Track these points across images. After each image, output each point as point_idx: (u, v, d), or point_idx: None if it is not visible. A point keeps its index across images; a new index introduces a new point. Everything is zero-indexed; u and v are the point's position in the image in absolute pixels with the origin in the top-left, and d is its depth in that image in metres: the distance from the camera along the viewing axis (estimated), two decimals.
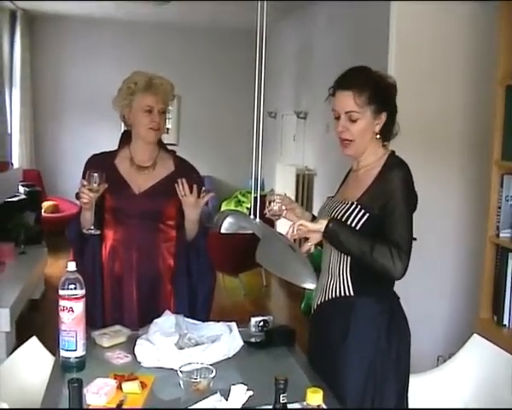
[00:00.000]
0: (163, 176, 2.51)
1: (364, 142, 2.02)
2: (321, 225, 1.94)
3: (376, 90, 1.98)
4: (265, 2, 2.11)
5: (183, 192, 2.36)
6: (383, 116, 2.01)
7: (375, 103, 1.98)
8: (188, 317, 2.21)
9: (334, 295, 2.03)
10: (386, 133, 2.06)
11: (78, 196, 2.31)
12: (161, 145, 2.58)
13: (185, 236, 2.51)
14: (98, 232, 2.39)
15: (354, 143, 2.01)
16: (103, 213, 2.47)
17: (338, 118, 2.02)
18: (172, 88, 2.52)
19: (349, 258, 1.99)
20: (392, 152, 2.08)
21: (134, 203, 2.46)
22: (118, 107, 2.50)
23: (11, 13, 7.95)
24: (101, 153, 2.57)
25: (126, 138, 2.56)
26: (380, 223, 1.94)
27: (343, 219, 1.98)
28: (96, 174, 2.25)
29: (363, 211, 1.96)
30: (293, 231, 1.93)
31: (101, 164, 2.40)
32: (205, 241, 2.56)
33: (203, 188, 2.42)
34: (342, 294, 2.01)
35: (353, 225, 1.96)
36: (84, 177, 2.33)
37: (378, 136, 2.03)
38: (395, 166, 1.99)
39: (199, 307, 2.55)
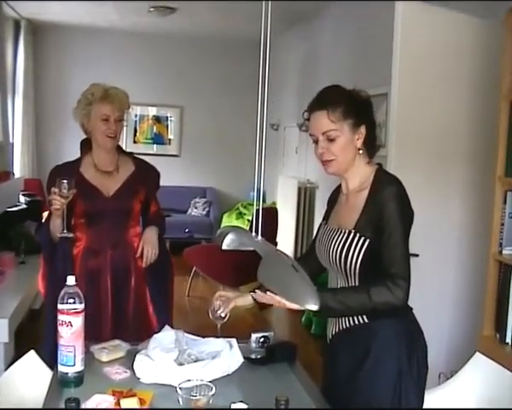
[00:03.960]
0: (126, 177, 2.75)
1: (347, 159, 1.93)
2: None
3: (350, 103, 1.90)
4: (270, 8, 2.08)
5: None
6: (362, 130, 1.92)
7: (351, 117, 1.89)
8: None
9: (348, 324, 1.96)
10: (369, 149, 1.96)
11: (49, 204, 2.46)
12: (120, 150, 2.81)
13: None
14: (71, 235, 2.57)
15: (336, 162, 1.92)
16: (71, 218, 2.62)
17: (316, 142, 1.94)
18: (127, 97, 2.72)
19: (357, 282, 1.91)
20: (380, 166, 1.99)
21: (106, 205, 2.68)
22: (77, 117, 2.70)
23: (15, 22, 7.99)
24: (64, 163, 2.79)
25: (87, 146, 2.76)
26: (378, 246, 1.86)
27: (344, 250, 1.90)
28: (65, 181, 2.39)
29: (362, 238, 1.88)
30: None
31: (66, 173, 2.51)
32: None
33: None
34: (356, 322, 1.93)
35: (356, 253, 1.88)
36: (49, 187, 2.52)
37: (361, 151, 1.94)
38: (386, 184, 1.89)
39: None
